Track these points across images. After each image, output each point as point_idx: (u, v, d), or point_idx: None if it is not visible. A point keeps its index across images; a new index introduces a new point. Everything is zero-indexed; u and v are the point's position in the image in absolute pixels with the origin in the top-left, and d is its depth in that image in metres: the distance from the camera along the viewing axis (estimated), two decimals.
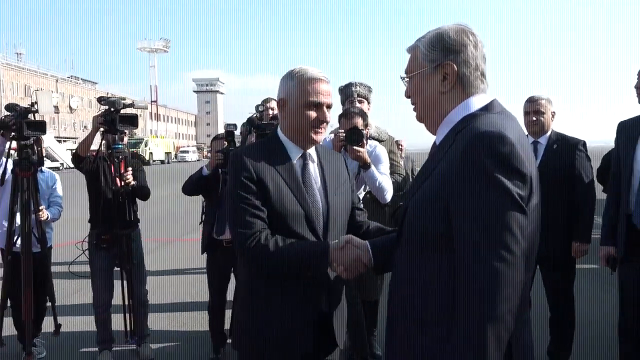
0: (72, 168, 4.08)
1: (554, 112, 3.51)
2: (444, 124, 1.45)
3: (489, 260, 1.20)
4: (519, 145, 1.26)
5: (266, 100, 4.12)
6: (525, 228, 1.24)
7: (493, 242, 1.21)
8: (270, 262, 1.77)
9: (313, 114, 1.86)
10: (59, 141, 48.39)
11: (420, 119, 1.53)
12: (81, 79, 71.31)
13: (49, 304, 3.77)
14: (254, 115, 3.84)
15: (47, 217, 3.82)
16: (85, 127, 61.78)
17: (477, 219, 1.22)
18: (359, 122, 3.20)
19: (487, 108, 1.40)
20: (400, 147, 7.56)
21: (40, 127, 3.52)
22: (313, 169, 1.95)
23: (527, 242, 1.25)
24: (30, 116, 3.49)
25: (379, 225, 2.09)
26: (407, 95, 1.55)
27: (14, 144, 3.51)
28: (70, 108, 63.05)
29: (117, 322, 3.89)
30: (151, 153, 51.25)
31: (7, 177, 3.67)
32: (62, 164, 37.29)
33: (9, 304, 3.69)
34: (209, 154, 4.72)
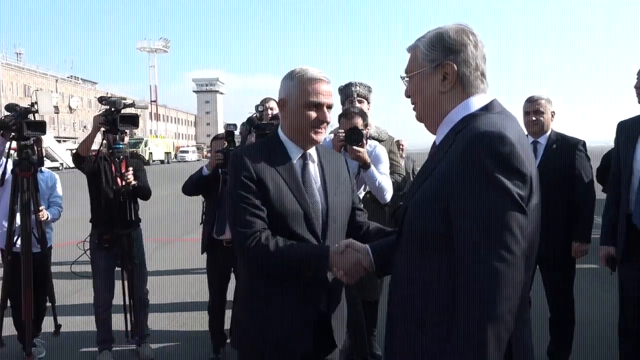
0: (72, 168, 4.09)
1: (553, 112, 3.52)
2: (444, 124, 1.45)
3: (489, 260, 1.20)
4: (519, 145, 1.26)
5: (265, 100, 4.11)
6: (525, 228, 1.24)
7: (493, 242, 1.21)
8: (270, 262, 1.77)
9: (313, 114, 1.86)
10: (59, 141, 48.36)
11: (420, 118, 1.53)
12: (81, 79, 71.30)
13: (49, 304, 3.77)
14: (254, 115, 3.83)
15: (47, 218, 3.83)
16: (85, 127, 61.76)
17: (477, 219, 1.23)
18: (359, 122, 3.20)
19: (487, 108, 1.40)
20: (401, 147, 7.57)
21: (40, 127, 3.52)
22: (313, 169, 1.95)
23: (527, 242, 1.25)
24: (30, 116, 3.49)
25: (379, 225, 2.09)
26: (407, 95, 1.55)
27: (14, 144, 3.51)
28: (70, 108, 63.01)
29: (117, 322, 3.89)
30: (151, 153, 51.17)
31: (7, 177, 3.67)
32: (62, 164, 37.25)
33: (9, 304, 3.69)
34: (209, 154, 4.71)
